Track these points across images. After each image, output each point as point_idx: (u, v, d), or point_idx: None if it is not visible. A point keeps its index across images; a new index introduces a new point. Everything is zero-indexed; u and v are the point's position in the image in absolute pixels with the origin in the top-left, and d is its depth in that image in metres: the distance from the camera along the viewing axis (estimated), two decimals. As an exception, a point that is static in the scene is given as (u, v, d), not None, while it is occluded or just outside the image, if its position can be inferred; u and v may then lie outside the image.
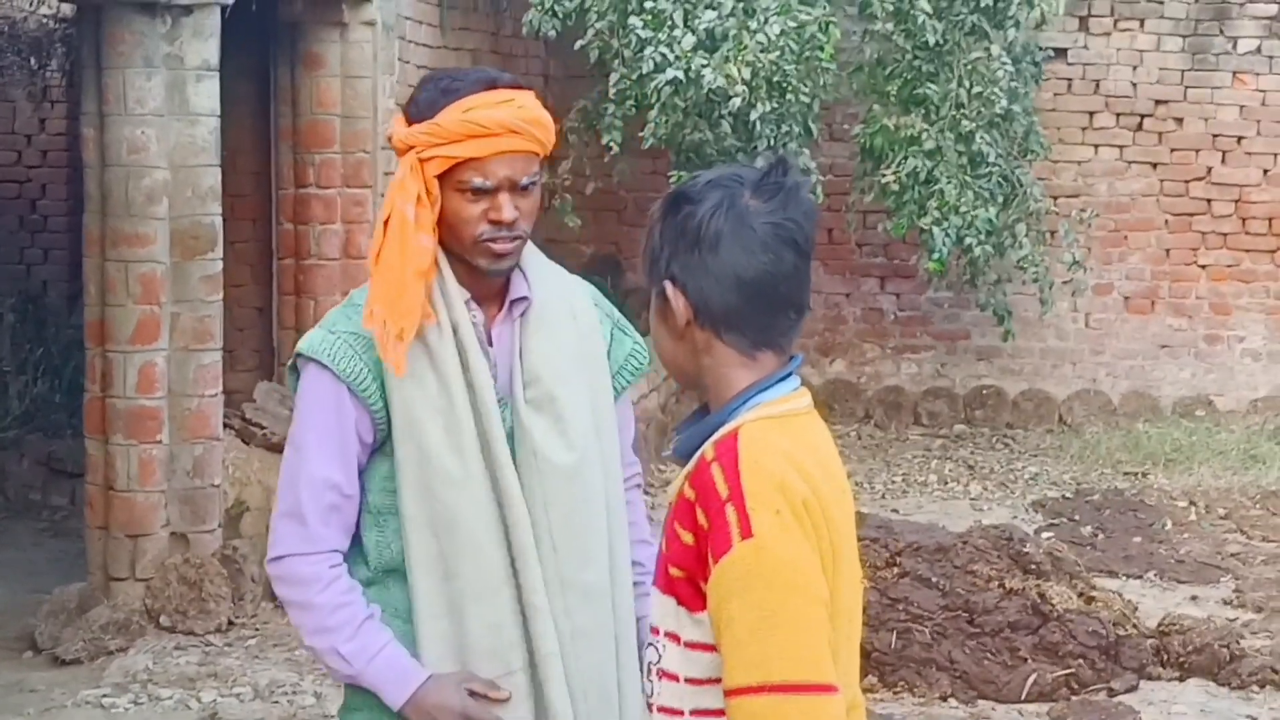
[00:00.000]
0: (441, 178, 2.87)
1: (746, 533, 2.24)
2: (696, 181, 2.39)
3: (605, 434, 3.02)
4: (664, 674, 2.36)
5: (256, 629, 7.21)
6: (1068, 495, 10.10)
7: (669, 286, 2.35)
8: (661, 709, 2.37)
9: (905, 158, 10.13)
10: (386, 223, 2.88)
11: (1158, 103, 12.12)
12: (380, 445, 2.92)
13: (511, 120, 2.87)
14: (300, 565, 2.90)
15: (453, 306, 2.90)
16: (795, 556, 2.24)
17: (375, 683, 2.88)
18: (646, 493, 9.81)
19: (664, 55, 9.15)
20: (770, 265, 2.32)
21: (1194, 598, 8.06)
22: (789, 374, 2.38)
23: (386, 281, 2.85)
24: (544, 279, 3.02)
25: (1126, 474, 10.65)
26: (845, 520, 2.38)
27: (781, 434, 2.32)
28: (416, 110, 2.90)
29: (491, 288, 2.96)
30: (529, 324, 2.96)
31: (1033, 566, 7.32)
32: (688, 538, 2.31)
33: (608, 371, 3.07)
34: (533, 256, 3.03)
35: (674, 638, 2.35)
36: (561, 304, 3.02)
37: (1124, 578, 8.31)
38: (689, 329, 2.36)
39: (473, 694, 2.85)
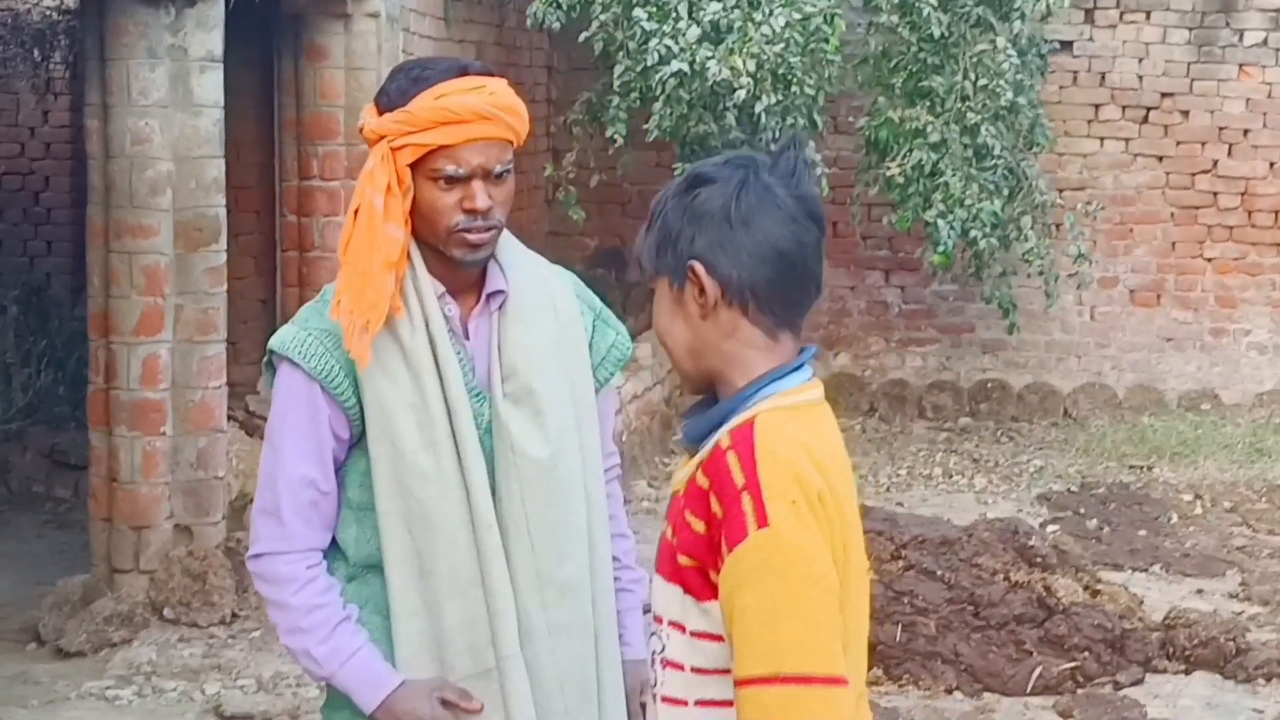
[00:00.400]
0: (414, 167, 2.83)
1: (763, 522, 2.22)
2: (706, 165, 2.38)
3: (586, 426, 3.00)
4: (669, 663, 2.35)
5: (260, 621, 7.19)
6: (1073, 488, 10.09)
7: (698, 265, 2.32)
8: (666, 699, 2.35)
9: (910, 150, 10.12)
10: (356, 213, 2.84)
11: (1163, 95, 12.09)
12: (358, 441, 2.90)
13: (483, 107, 2.83)
14: (278, 564, 2.89)
15: (425, 300, 2.87)
16: (810, 547, 2.23)
17: (347, 686, 2.87)
18: (650, 485, 9.82)
19: (669, 47, 9.13)
20: (801, 235, 2.33)
21: (1199, 591, 8.05)
22: (802, 364, 2.37)
23: (354, 272, 2.83)
24: (522, 270, 2.99)
25: (1132, 467, 10.63)
26: (854, 514, 2.37)
27: (797, 425, 2.31)
28: (387, 99, 2.87)
29: (467, 280, 2.93)
30: (506, 316, 2.93)
31: (1038, 559, 7.31)
32: (699, 526, 2.29)
33: (588, 363, 3.04)
34: (510, 247, 2.99)
35: (679, 626, 2.33)
36: (540, 295, 2.99)
37: (1129, 571, 8.30)
38: (716, 309, 2.34)
39: (445, 703, 2.83)
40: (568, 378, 2.97)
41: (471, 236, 2.85)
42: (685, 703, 2.33)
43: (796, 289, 2.35)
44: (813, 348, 2.42)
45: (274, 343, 2.92)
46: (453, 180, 2.83)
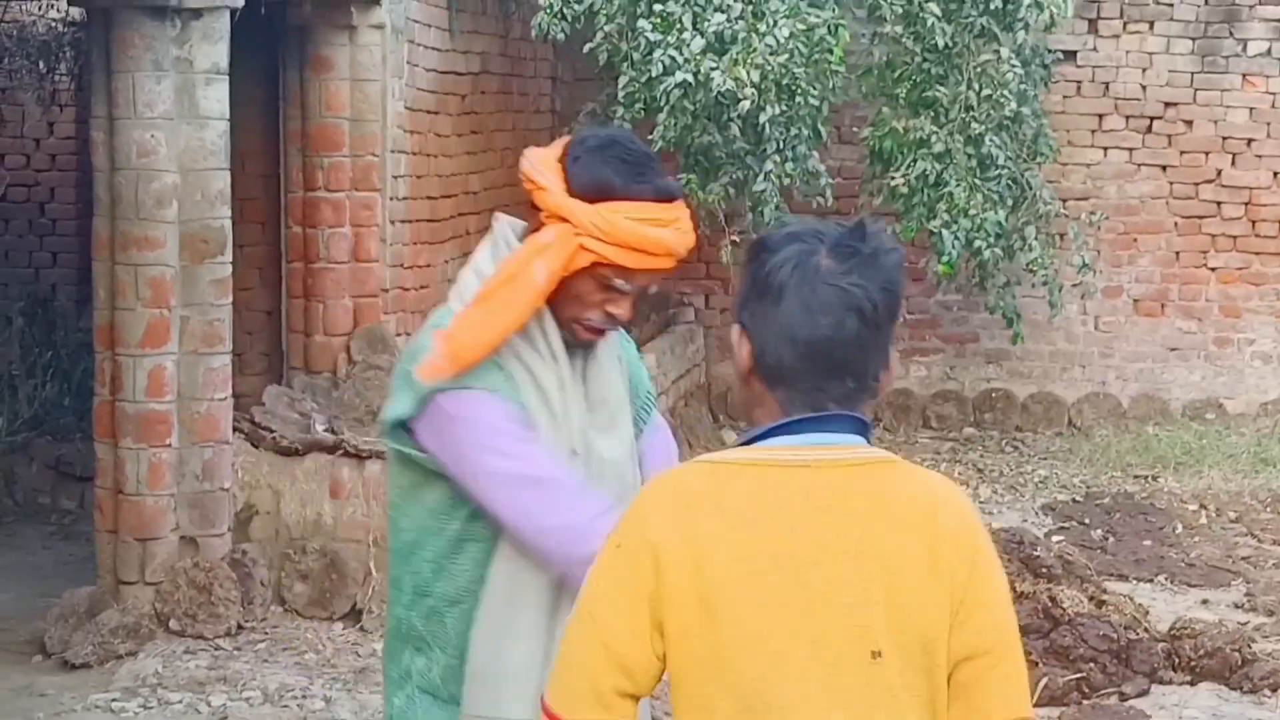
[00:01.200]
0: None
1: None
2: (781, 230, 2.38)
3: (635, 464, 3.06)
4: None
5: (266, 633, 7.21)
6: (1078, 498, 10.09)
7: (735, 331, 2.36)
8: None
9: (914, 160, 10.12)
10: (513, 276, 2.82)
11: (1167, 105, 12.10)
12: None
13: (675, 245, 2.86)
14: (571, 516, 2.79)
15: (551, 340, 2.89)
16: (600, 595, 2.30)
17: None
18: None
19: (673, 58, 9.13)
20: (828, 330, 2.27)
21: (1205, 601, 8.04)
22: (792, 423, 2.31)
23: (483, 324, 2.80)
24: None
25: (1136, 477, 10.63)
26: (751, 580, 2.26)
27: (712, 480, 2.30)
28: (582, 185, 2.81)
29: None
30: (595, 357, 2.98)
31: (1043, 570, 7.31)
32: None
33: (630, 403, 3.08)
34: None
35: None
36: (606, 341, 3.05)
37: (1134, 581, 8.30)
38: (750, 377, 2.35)
39: None
40: (628, 418, 3.05)
41: (595, 333, 2.91)
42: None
43: (820, 378, 2.31)
44: (831, 412, 2.32)
45: (442, 384, 2.84)
46: (612, 289, 2.87)
